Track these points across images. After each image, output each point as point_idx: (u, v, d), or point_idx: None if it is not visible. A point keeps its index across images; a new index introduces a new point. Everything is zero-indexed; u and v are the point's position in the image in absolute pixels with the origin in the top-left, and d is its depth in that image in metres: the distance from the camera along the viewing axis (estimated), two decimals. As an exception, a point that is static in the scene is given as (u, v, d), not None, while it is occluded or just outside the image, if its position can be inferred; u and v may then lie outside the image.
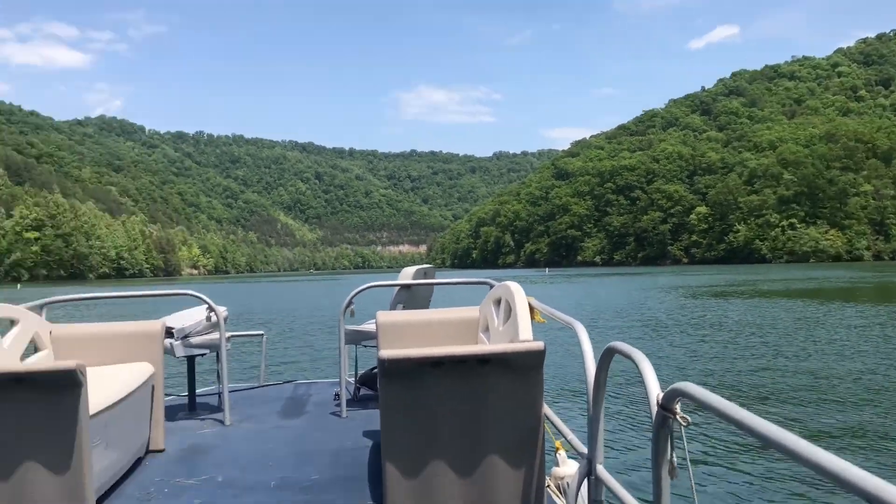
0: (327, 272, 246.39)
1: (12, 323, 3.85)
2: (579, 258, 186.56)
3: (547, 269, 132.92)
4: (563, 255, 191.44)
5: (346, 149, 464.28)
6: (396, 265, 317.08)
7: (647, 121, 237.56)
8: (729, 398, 1.61)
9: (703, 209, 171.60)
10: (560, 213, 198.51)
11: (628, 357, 2.13)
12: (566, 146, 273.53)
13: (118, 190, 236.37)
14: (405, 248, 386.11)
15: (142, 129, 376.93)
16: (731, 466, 6.92)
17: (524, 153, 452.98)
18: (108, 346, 4.09)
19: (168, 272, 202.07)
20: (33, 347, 3.96)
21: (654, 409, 1.84)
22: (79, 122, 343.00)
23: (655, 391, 1.89)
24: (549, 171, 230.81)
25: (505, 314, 3.66)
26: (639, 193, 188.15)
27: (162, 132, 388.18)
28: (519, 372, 2.81)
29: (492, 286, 4.32)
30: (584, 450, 2.60)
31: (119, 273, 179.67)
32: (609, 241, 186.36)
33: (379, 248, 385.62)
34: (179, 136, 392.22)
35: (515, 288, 3.58)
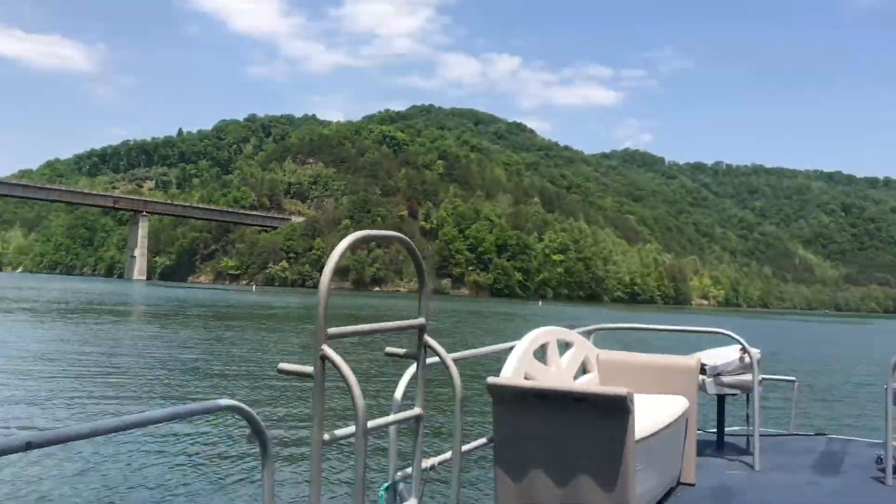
0: (850, 314, 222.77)
1: (567, 345, 4.20)
2: None
3: None
4: None
5: (881, 178, 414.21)
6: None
7: None
8: None
9: None
10: None
11: None
12: None
13: (636, 219, 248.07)
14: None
15: (662, 160, 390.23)
16: None
17: None
18: (648, 376, 4.27)
19: (678, 301, 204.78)
20: (582, 369, 4.29)
21: None
22: (605, 155, 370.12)
23: None
24: None
25: None
26: None
27: (681, 163, 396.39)
28: None
29: None
30: None
31: (632, 298, 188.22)
32: None
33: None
34: (698, 167, 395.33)
35: None
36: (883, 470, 4.43)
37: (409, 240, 2.43)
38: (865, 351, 35.59)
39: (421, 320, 2.53)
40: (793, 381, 6.30)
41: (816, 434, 6.18)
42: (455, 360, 2.78)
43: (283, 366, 2.22)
